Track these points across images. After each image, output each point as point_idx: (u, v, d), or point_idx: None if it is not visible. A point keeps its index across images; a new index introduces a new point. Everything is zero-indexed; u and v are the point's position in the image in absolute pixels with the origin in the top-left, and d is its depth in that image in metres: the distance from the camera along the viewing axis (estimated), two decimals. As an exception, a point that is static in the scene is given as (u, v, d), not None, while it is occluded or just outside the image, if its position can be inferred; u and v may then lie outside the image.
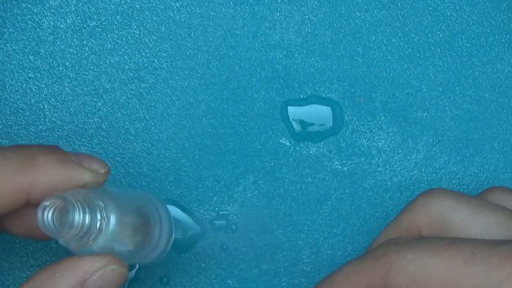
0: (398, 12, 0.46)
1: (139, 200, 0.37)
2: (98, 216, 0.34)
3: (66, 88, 0.45)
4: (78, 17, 0.45)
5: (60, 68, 0.45)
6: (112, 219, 0.35)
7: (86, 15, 0.45)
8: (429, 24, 0.46)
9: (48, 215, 0.34)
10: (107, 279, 0.35)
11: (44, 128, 0.45)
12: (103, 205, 0.35)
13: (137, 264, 0.44)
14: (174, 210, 0.45)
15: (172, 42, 0.46)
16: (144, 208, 0.37)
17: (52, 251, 0.45)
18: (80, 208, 0.34)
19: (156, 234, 0.37)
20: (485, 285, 0.33)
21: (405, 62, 0.46)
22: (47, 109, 0.45)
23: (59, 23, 0.45)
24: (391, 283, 0.35)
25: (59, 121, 0.45)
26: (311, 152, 0.46)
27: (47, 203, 0.34)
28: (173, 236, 0.38)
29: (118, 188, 0.37)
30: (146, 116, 0.45)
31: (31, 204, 0.36)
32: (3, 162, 0.35)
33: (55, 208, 0.34)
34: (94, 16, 0.45)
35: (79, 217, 0.34)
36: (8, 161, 0.35)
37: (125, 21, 0.45)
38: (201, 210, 0.45)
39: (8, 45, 0.45)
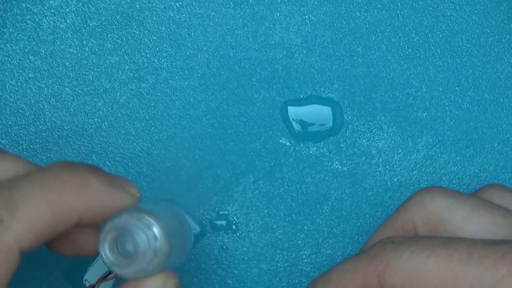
0: (398, 12, 0.46)
1: (174, 213, 0.37)
2: (152, 236, 0.34)
3: (66, 88, 0.45)
4: (78, 17, 0.45)
5: (60, 68, 0.45)
6: (159, 235, 0.34)
7: (86, 15, 0.45)
8: (429, 24, 0.46)
9: (107, 247, 0.33)
10: None
11: (44, 128, 0.45)
12: (153, 223, 0.34)
13: None
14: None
15: (172, 42, 0.46)
16: (179, 221, 0.37)
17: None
18: (144, 232, 0.34)
19: (182, 241, 0.37)
20: (481, 285, 0.33)
21: (405, 62, 0.46)
22: (47, 109, 0.45)
23: (59, 23, 0.45)
24: (386, 282, 0.35)
25: (59, 121, 0.45)
26: (311, 152, 0.46)
27: (108, 235, 0.33)
28: (193, 240, 0.38)
29: (147, 204, 0.37)
30: (146, 116, 0.45)
31: (80, 226, 0.36)
32: (58, 186, 0.34)
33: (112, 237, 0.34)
34: (94, 16, 0.45)
35: (145, 242, 0.34)
36: (63, 184, 0.34)
37: (125, 21, 0.45)
38: (201, 210, 0.45)
39: (8, 45, 0.45)
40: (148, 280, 0.35)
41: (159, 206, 0.37)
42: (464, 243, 0.34)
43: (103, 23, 0.45)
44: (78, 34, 0.45)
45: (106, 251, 0.34)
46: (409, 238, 0.36)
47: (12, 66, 0.45)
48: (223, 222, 0.45)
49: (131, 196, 0.36)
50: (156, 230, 0.34)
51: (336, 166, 0.46)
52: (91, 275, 0.43)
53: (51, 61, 0.45)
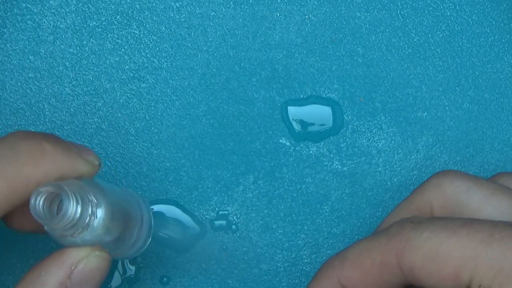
0: (398, 12, 0.46)
1: (125, 196, 0.37)
2: (89, 211, 0.34)
3: (66, 88, 0.45)
4: (78, 17, 0.45)
5: (60, 68, 0.45)
6: (100, 214, 0.35)
7: (86, 15, 0.45)
8: (429, 24, 0.46)
9: (41, 201, 0.33)
10: (93, 267, 0.35)
11: (44, 128, 0.45)
12: (95, 200, 0.34)
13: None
14: (174, 210, 0.45)
15: (172, 42, 0.46)
16: (128, 204, 0.37)
17: (53, 250, 0.44)
18: (75, 200, 0.34)
19: (135, 232, 0.37)
20: (502, 266, 0.33)
21: (405, 62, 0.46)
22: (47, 109, 0.45)
23: (59, 23, 0.45)
24: (405, 261, 0.35)
25: (59, 121, 0.45)
26: (311, 152, 0.46)
27: (42, 189, 0.33)
28: (150, 237, 0.38)
29: (103, 181, 0.37)
30: (146, 116, 0.45)
31: None
32: (13, 156, 0.34)
33: (47, 195, 0.34)
34: (94, 16, 0.45)
35: (72, 209, 0.34)
36: (18, 154, 0.34)
37: (125, 21, 0.45)
38: (201, 210, 0.45)
39: (8, 45, 0.45)
40: (71, 249, 0.34)
41: (115, 189, 0.37)
42: (485, 224, 0.34)
43: (103, 23, 0.45)
44: (78, 34, 0.45)
45: (36, 202, 0.33)
46: (428, 218, 0.36)
47: (12, 66, 0.45)
48: (223, 222, 0.45)
49: (89, 164, 0.36)
50: (92, 205, 0.34)
51: (336, 166, 0.46)
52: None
53: (51, 61, 0.45)
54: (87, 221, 0.34)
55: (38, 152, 0.34)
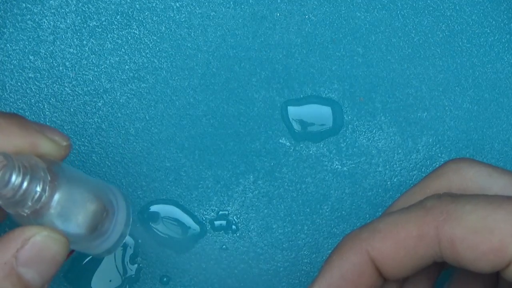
0: (398, 12, 0.46)
1: (98, 187, 0.36)
2: (38, 187, 0.33)
3: (66, 88, 0.45)
4: (78, 17, 0.45)
5: (60, 68, 0.45)
6: (57, 195, 0.34)
7: (86, 15, 0.45)
8: (429, 24, 0.46)
9: None
10: (41, 247, 0.33)
11: (44, 128, 0.45)
12: (49, 178, 0.34)
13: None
14: (174, 210, 0.45)
15: (172, 42, 0.46)
16: (100, 196, 0.36)
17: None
18: (21, 171, 0.33)
19: (110, 225, 0.36)
20: None
21: (405, 62, 0.46)
22: (47, 109, 0.45)
23: (59, 23, 0.45)
24: (446, 234, 0.34)
25: (59, 121, 0.45)
26: (311, 152, 0.46)
27: None
28: (128, 232, 0.37)
29: (74, 168, 0.36)
30: (146, 116, 0.45)
31: None
32: None
33: None
34: (94, 16, 0.45)
35: (16, 179, 0.33)
36: None
37: (125, 21, 0.45)
38: (201, 210, 0.45)
39: (8, 45, 0.45)
40: (18, 228, 0.33)
41: (89, 179, 0.36)
42: None
43: (103, 23, 0.45)
44: (78, 34, 0.45)
45: None
46: (465, 194, 0.35)
47: (12, 66, 0.45)
48: (223, 222, 0.45)
49: (53, 143, 0.35)
50: (44, 182, 0.33)
51: (336, 166, 0.46)
52: (97, 279, 0.43)
53: (51, 61, 0.45)
54: (36, 196, 0.33)
55: None
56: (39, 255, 0.33)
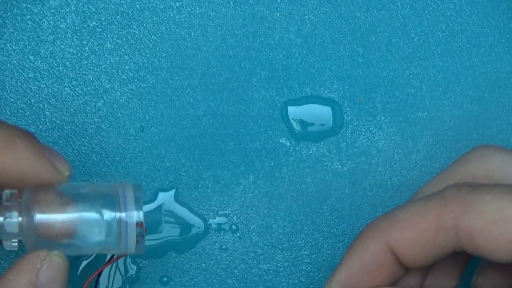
0: (398, 12, 0.46)
1: (101, 195, 0.36)
2: (1, 219, 0.34)
3: (66, 88, 0.45)
4: (78, 17, 0.45)
5: (60, 68, 0.45)
6: (68, 215, 0.34)
7: (86, 15, 0.45)
8: (429, 24, 0.46)
9: None
10: (56, 266, 0.35)
11: (44, 128, 0.45)
12: (16, 213, 0.34)
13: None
14: (174, 210, 0.45)
15: (172, 42, 0.46)
16: (106, 203, 0.36)
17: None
18: None
19: (99, 231, 0.36)
20: None
21: (405, 62, 0.46)
22: (47, 109, 0.45)
23: (59, 23, 0.45)
24: (464, 225, 0.34)
25: (59, 121, 0.45)
26: (311, 152, 0.46)
27: None
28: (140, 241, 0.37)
29: (83, 184, 0.36)
30: (146, 116, 0.45)
31: None
32: None
33: None
34: (94, 16, 0.45)
35: None
36: None
37: (125, 21, 0.45)
38: (201, 210, 0.45)
39: (8, 45, 0.45)
40: (33, 252, 0.35)
41: (90, 190, 0.36)
42: None
43: (103, 23, 0.45)
44: (78, 34, 0.45)
45: None
46: (485, 184, 0.35)
47: (12, 66, 0.45)
48: (223, 222, 0.45)
49: (58, 173, 0.35)
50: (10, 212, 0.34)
51: (336, 166, 0.46)
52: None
53: (51, 61, 0.45)
54: (7, 230, 0.34)
55: (7, 144, 0.34)
56: (56, 274, 0.35)
